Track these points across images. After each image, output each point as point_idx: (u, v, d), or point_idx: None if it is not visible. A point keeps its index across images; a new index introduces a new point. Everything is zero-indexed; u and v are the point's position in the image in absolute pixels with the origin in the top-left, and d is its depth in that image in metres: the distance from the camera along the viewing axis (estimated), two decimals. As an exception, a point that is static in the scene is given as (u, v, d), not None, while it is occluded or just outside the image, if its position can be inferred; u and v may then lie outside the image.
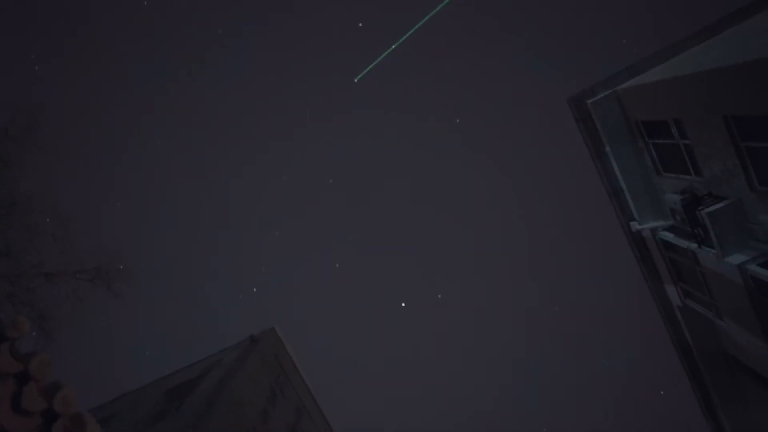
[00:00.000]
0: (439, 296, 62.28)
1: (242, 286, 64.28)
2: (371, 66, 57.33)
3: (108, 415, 10.35)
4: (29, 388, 2.85)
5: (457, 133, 61.98)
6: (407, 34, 55.89)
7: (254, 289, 60.40)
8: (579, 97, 11.08)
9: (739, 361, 11.01)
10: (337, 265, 61.71)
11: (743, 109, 7.42)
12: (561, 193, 60.58)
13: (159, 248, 54.24)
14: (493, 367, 59.84)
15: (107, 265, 12.84)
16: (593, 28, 51.83)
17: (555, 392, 55.69)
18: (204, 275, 62.64)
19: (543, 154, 60.45)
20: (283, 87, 62.10)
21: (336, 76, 62.15)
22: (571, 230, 59.10)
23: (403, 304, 59.31)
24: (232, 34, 58.30)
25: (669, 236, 10.34)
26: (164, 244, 56.55)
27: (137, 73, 54.81)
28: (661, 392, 48.45)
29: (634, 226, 11.40)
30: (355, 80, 59.69)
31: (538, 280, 60.44)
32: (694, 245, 9.39)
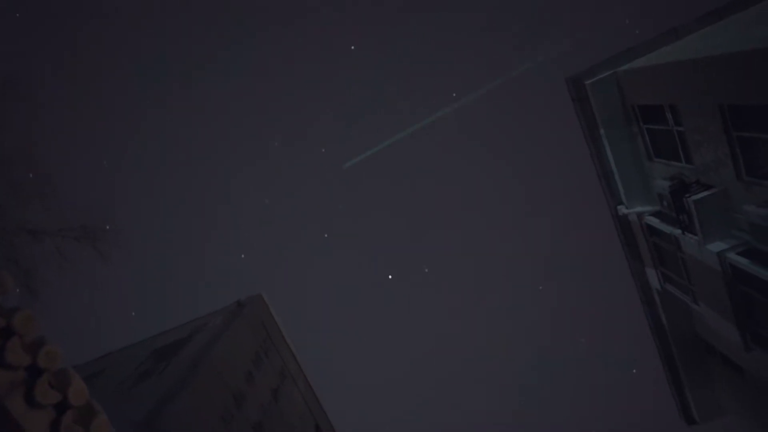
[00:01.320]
0: (426, 270, 63.10)
1: (230, 252, 64.30)
2: None
3: (94, 372, 10.48)
4: (13, 343, 2.86)
5: (452, 107, 61.28)
6: None
7: (242, 255, 60.50)
8: (577, 77, 10.96)
9: (710, 345, 11.45)
10: (326, 235, 61.90)
11: (739, 99, 7.42)
12: (552, 172, 60.83)
13: (147, 210, 53.75)
14: (474, 341, 61.47)
15: (93, 224, 12.72)
16: (597, 4, 50.80)
17: (531, 365, 57.59)
18: (191, 240, 62.39)
19: (537, 133, 60.29)
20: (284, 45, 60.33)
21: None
22: (559, 210, 59.78)
23: (390, 277, 60.03)
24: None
25: (655, 221, 10.51)
26: (152, 207, 55.97)
27: (126, 25, 52.67)
28: (634, 371, 50.43)
29: (621, 210, 11.54)
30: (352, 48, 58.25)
31: (523, 258, 61.42)
32: (678, 231, 9.57)
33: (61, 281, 12.59)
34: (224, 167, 62.90)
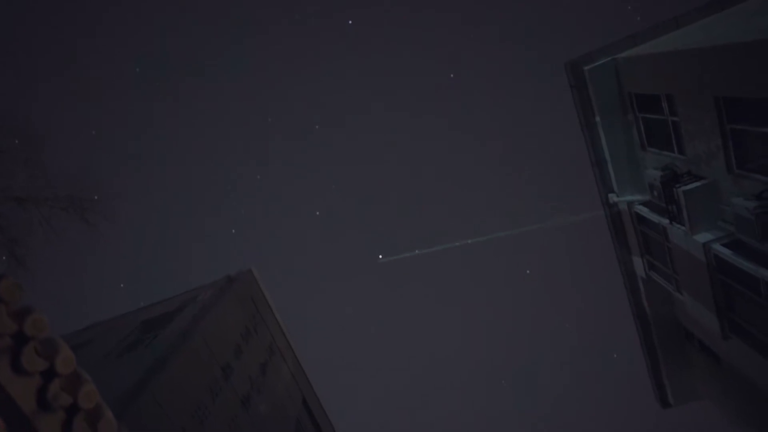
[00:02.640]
0: (417, 251, 63.47)
1: (221, 226, 63.99)
2: None
3: (81, 341, 10.49)
4: (-1, 311, 2.83)
5: (450, 87, 60.63)
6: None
7: (233, 230, 60.26)
8: (576, 62, 10.87)
9: (689, 332, 11.77)
10: (318, 213, 61.77)
11: (735, 91, 7.43)
12: (545, 158, 60.92)
13: (137, 182, 53.01)
14: (460, 322, 62.48)
15: (81, 194, 12.54)
16: (600, -10, 50.03)
17: (515, 348, 58.89)
18: (181, 214, 61.87)
19: (534, 117, 60.04)
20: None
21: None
22: (552, 196, 60.19)
23: (381, 256, 60.35)
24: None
25: (644, 210, 10.63)
26: (142, 179, 55.18)
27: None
28: (615, 355, 51.84)
29: (612, 198, 11.64)
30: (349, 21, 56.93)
31: (513, 242, 62.01)
32: (666, 221, 9.70)
33: (48, 251, 12.47)
34: (217, 142, 62.04)
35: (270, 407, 9.02)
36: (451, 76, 58.92)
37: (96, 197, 12.58)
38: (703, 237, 8.75)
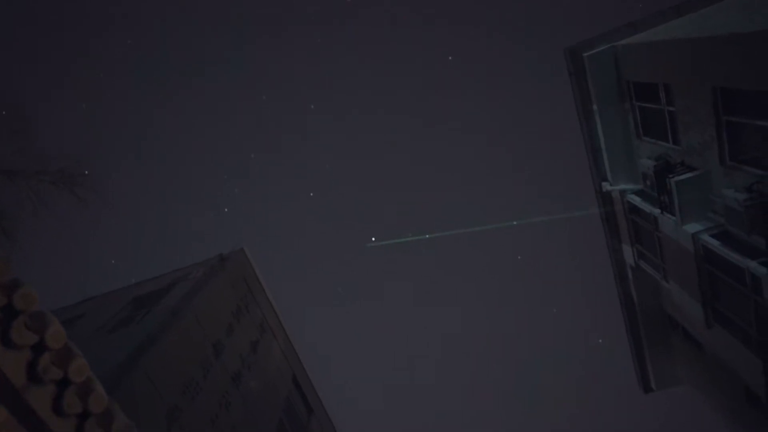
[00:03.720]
0: (410, 235, 63.69)
1: (213, 205, 63.57)
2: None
3: (72, 316, 10.49)
4: (-13, 284, 2.81)
5: (448, 69, 59.89)
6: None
7: (225, 209, 59.89)
8: (576, 48, 10.77)
9: (674, 320, 12.02)
10: (312, 194, 61.53)
11: (733, 82, 7.42)
12: (540, 144, 60.91)
13: (129, 158, 52.28)
14: (451, 306, 63.25)
15: (71, 168, 12.36)
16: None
17: (503, 331, 59.92)
18: (175, 191, 61.28)
19: (530, 104, 59.78)
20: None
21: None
22: (544, 181, 60.46)
23: (373, 239, 60.46)
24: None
25: (636, 200, 10.71)
26: (134, 155, 54.46)
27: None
28: (600, 340, 52.93)
29: (606, 186, 11.70)
30: None
31: (505, 227, 62.45)
32: (657, 211, 9.79)
33: (38, 225, 12.34)
34: (211, 119, 61.12)
35: (260, 384, 9.14)
36: (450, 58, 58.18)
37: (86, 172, 12.42)
38: (692, 227, 8.85)
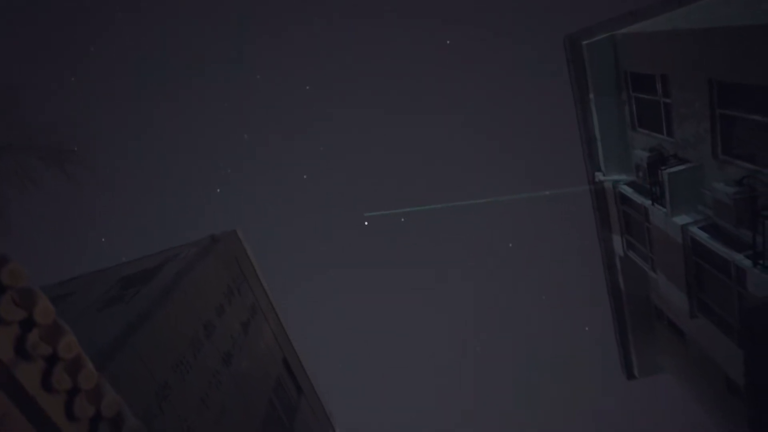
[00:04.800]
0: (402, 220, 63.82)
1: (205, 185, 62.94)
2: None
3: (61, 294, 10.43)
4: (-26, 259, 2.77)
5: (446, 53, 59.20)
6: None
7: (218, 190, 59.38)
8: (576, 36, 10.69)
9: (659, 310, 12.25)
10: (305, 177, 61.10)
11: (729, 76, 7.43)
12: (536, 131, 60.86)
13: (120, 135, 51.38)
14: (441, 290, 63.87)
15: (60, 144, 12.12)
16: (605, -38, 48.53)
17: (492, 319, 60.75)
18: (166, 170, 60.53)
19: (529, 90, 59.48)
20: None
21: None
22: (538, 169, 60.68)
23: (366, 223, 60.51)
24: None
25: (628, 191, 10.79)
26: (125, 132, 53.52)
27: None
28: (586, 328, 53.91)
29: (599, 176, 11.76)
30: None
31: (497, 214, 62.83)
32: (648, 202, 9.88)
33: (26, 202, 12.15)
34: (204, 96, 60.06)
35: (251, 365, 9.20)
36: (448, 42, 57.48)
37: (75, 148, 12.19)
38: (682, 219, 8.96)
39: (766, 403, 6.97)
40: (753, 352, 6.71)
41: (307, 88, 58.64)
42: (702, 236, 8.47)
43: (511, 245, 59.39)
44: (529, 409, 53.19)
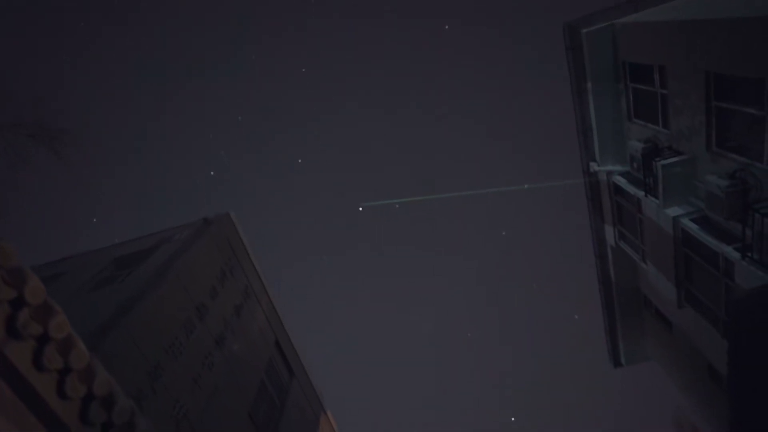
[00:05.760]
0: (397, 206, 63.81)
1: (198, 168, 62.32)
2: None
3: (52, 274, 10.37)
4: (-38, 237, 2.73)
5: (444, 38, 58.53)
6: None
7: (211, 173, 58.87)
8: (576, 24, 10.59)
9: (647, 300, 12.44)
10: (300, 161, 60.71)
11: (727, 68, 7.42)
12: (532, 119, 60.68)
13: (112, 115, 50.56)
14: (430, 274, 64.31)
15: (49, 122, 11.92)
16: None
17: (483, 304, 61.42)
18: (159, 151, 59.80)
19: (526, 78, 59.09)
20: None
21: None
22: (535, 161, 60.71)
23: (360, 209, 60.46)
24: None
25: (622, 181, 10.84)
26: (117, 111, 52.63)
27: None
28: (576, 317, 54.71)
29: (593, 166, 11.79)
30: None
31: (491, 202, 63.02)
32: (641, 193, 9.94)
33: (16, 180, 11.99)
34: (198, 77, 59.04)
35: (243, 347, 9.26)
36: (446, 27, 56.74)
37: (66, 126, 11.99)
38: (674, 211, 9.03)
39: (746, 390, 7.16)
40: (737, 341, 6.86)
41: (303, 70, 57.84)
42: (693, 228, 8.56)
43: (504, 233, 59.75)
44: (516, 397, 54.23)
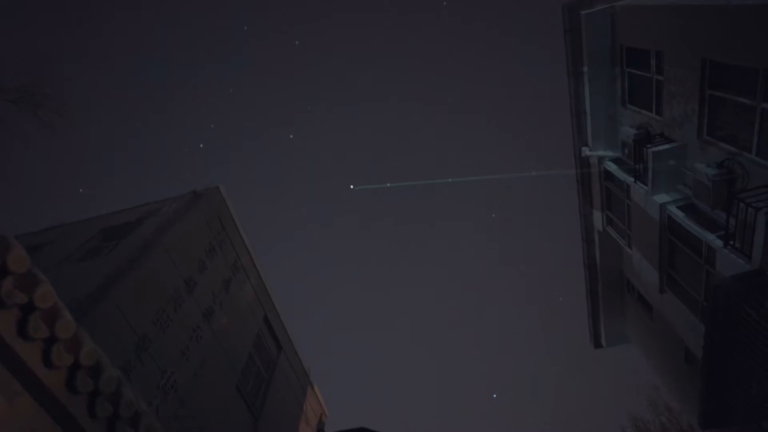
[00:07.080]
0: (388, 184, 63.64)
1: (188, 140, 61.21)
2: None
3: (37, 243, 10.23)
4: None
5: (441, 17, 57.48)
6: None
7: (201, 145, 57.88)
8: (575, 5, 10.44)
9: (630, 284, 12.71)
10: (291, 136, 59.92)
11: (723, 55, 7.40)
12: (525, 102, 60.42)
13: (100, 82, 49.12)
14: (420, 258, 64.86)
15: (32, 87, 11.54)
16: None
17: (469, 286, 62.32)
18: (149, 122, 58.46)
19: (522, 61, 58.49)
20: None
21: None
22: (524, 140, 60.71)
23: (352, 186, 60.17)
24: None
25: (612, 167, 10.90)
26: (106, 78, 51.12)
27: None
28: (560, 299, 55.83)
29: (585, 151, 11.82)
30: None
31: (481, 186, 63.15)
32: (630, 179, 10.02)
33: (-1, 148, 11.68)
34: (190, 51, 57.34)
35: (231, 321, 9.32)
36: (444, 3, 55.51)
37: (48, 91, 11.62)
38: (661, 198, 9.15)
39: (718, 371, 7.43)
40: (714, 326, 7.07)
41: (297, 43, 56.44)
42: (678, 215, 8.69)
43: (494, 215, 60.15)
44: (499, 375, 55.66)
